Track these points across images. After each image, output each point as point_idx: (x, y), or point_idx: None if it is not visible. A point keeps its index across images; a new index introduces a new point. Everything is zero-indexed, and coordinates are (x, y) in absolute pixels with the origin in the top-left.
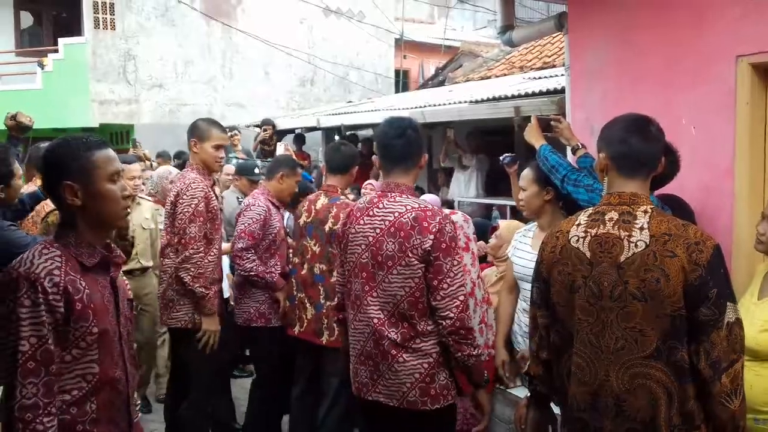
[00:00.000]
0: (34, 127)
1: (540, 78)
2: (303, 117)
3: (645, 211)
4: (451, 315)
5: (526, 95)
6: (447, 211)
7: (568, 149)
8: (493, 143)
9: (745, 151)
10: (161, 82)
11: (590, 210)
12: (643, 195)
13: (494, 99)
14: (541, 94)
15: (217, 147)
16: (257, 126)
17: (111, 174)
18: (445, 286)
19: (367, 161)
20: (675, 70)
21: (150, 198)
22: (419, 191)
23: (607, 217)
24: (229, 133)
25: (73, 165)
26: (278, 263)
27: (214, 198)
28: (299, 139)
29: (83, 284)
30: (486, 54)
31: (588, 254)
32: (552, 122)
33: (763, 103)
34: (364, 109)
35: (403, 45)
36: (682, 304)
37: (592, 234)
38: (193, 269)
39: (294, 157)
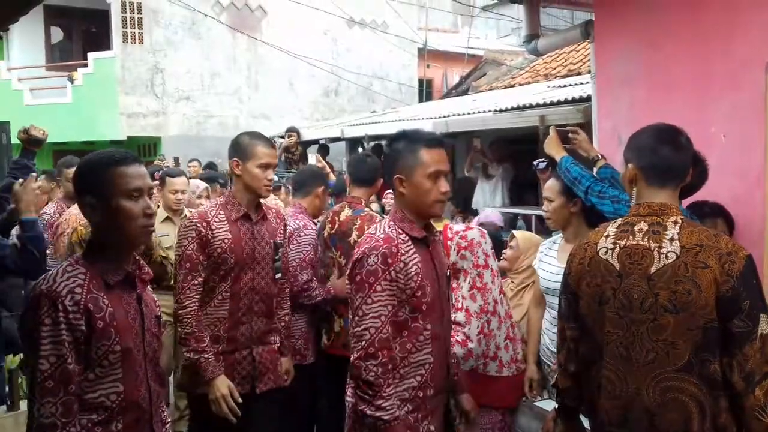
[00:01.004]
0: (64, 140)
1: (565, 86)
2: (327, 127)
3: (675, 222)
4: (353, 357)
5: (551, 104)
6: (462, 226)
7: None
8: (517, 152)
9: None
10: (188, 94)
11: (619, 221)
12: (672, 205)
13: (519, 108)
14: (566, 102)
15: (265, 166)
16: (281, 137)
17: (130, 190)
18: (353, 324)
19: None
20: (704, 78)
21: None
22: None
23: (636, 228)
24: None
25: (93, 180)
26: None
27: (224, 237)
28: (323, 150)
29: (106, 302)
30: (510, 62)
31: (617, 266)
32: (570, 134)
33: None
34: (387, 119)
35: (426, 54)
36: (714, 315)
37: (622, 245)
38: (185, 327)
39: (328, 168)
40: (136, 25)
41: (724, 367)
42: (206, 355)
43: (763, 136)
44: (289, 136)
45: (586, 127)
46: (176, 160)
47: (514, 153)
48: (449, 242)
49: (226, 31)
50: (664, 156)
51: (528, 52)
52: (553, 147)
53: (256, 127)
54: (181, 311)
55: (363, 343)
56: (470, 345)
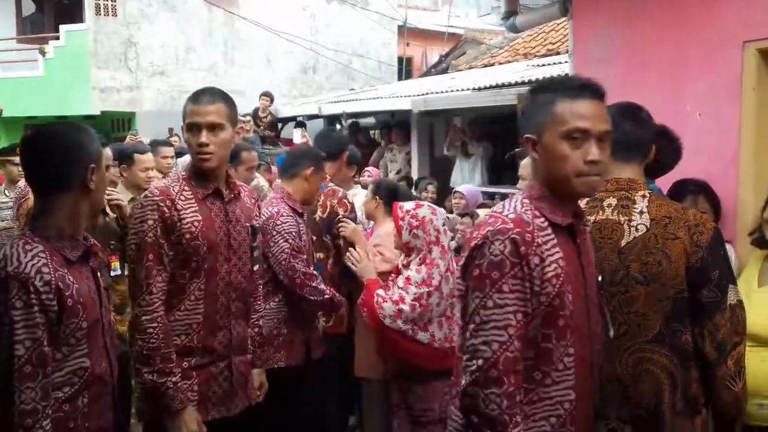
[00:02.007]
0: (35, 114)
1: (544, 65)
2: (304, 104)
3: (643, 196)
4: (465, 381)
5: (530, 82)
6: (412, 204)
7: None
8: (496, 131)
9: (751, 138)
10: (163, 69)
11: (591, 198)
12: (640, 180)
13: (497, 86)
14: None
15: (189, 127)
16: (245, 115)
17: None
18: (467, 335)
19: (365, 151)
20: (681, 57)
21: None
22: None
23: (605, 204)
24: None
25: (93, 149)
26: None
27: (193, 218)
28: (301, 127)
29: (71, 279)
30: (489, 41)
31: None
32: None
33: None
34: (365, 96)
35: (406, 32)
36: (684, 286)
37: (592, 221)
38: (148, 341)
39: (310, 144)
40: None
41: (695, 337)
42: (174, 379)
43: (738, 115)
44: (263, 101)
45: None
46: (170, 131)
47: (493, 132)
48: (401, 222)
49: (202, 4)
50: (627, 131)
51: (507, 29)
52: None
53: None
54: (143, 319)
55: (480, 362)
56: (402, 306)
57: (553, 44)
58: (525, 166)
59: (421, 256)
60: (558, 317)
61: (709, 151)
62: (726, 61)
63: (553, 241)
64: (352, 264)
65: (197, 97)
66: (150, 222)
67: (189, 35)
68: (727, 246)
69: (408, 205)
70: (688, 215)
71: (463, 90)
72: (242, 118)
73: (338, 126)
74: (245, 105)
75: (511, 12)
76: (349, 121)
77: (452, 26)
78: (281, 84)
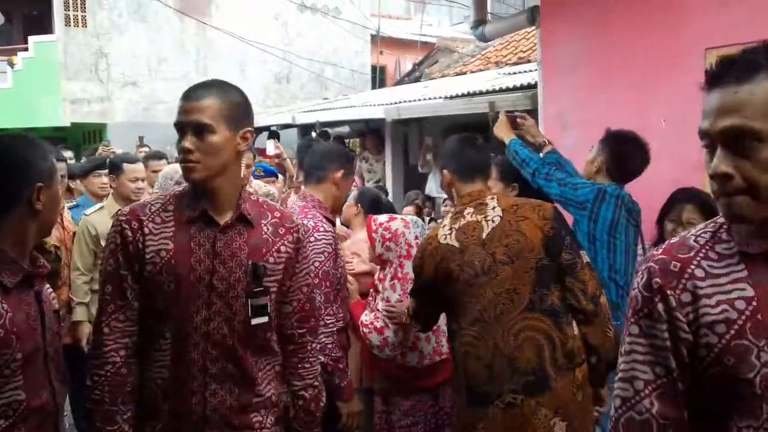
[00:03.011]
0: (4, 126)
1: (515, 73)
2: (278, 114)
3: (492, 197)
4: None
5: (501, 90)
6: (386, 217)
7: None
8: None
9: None
10: (134, 79)
11: (451, 213)
12: (486, 190)
13: (469, 94)
14: (515, 89)
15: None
16: None
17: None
18: None
19: None
20: (646, 64)
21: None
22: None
23: (465, 212)
24: None
25: (43, 167)
26: (342, 312)
27: (160, 247)
28: (274, 136)
29: (5, 308)
30: (462, 50)
31: (457, 244)
32: (518, 119)
33: None
34: (339, 105)
35: (379, 41)
36: (542, 254)
37: (456, 227)
38: (92, 392)
39: (285, 155)
40: (79, 8)
41: (567, 298)
42: None
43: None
44: None
45: (534, 113)
46: (140, 140)
47: None
48: (374, 234)
49: (174, 14)
50: (469, 157)
51: (476, 38)
52: (502, 130)
53: None
54: (91, 363)
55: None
56: (387, 333)
57: (524, 52)
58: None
59: (393, 269)
60: (736, 386)
61: (675, 157)
62: (689, 68)
63: (731, 273)
64: None
65: (187, 91)
66: (111, 246)
67: (160, 46)
68: None
69: (381, 218)
70: (530, 201)
71: (435, 98)
72: None
73: (313, 134)
74: None
75: (480, 21)
76: (319, 130)
77: (425, 35)
78: (255, 94)
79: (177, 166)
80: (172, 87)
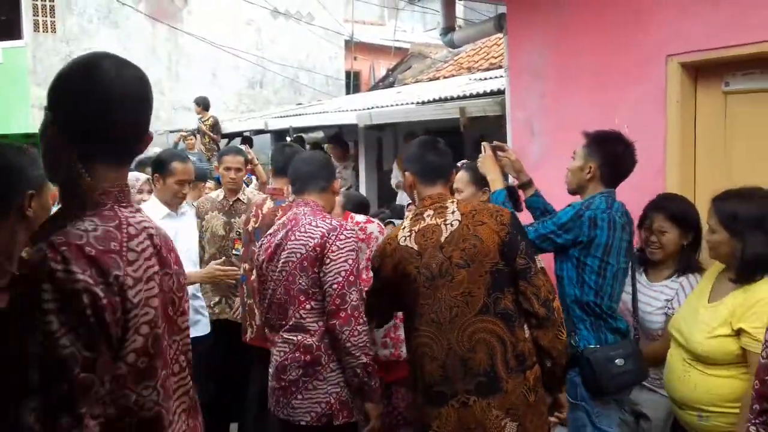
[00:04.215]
0: None
1: (486, 79)
2: (251, 119)
3: (452, 201)
4: None
5: (471, 96)
6: (363, 218)
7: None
8: None
9: (676, 150)
10: None
11: (411, 214)
12: (447, 194)
13: (440, 100)
14: (485, 94)
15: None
16: (172, 131)
17: None
18: None
19: None
20: (610, 70)
21: None
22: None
23: (425, 215)
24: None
25: (34, 174)
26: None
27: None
28: (247, 142)
29: None
30: (435, 55)
31: (416, 247)
32: (498, 151)
33: (692, 102)
34: (312, 111)
35: (353, 47)
36: (498, 259)
37: (416, 230)
38: None
39: (257, 161)
40: (48, 13)
41: (520, 302)
42: None
43: (663, 127)
44: (195, 109)
45: (503, 118)
46: None
47: None
48: None
49: (145, 20)
50: (431, 160)
51: (445, 45)
52: (488, 168)
53: (178, 120)
54: None
55: None
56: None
57: (495, 58)
58: (460, 179)
59: (361, 269)
60: None
61: (638, 162)
62: (651, 75)
63: None
64: None
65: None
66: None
67: (132, 51)
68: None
69: (359, 218)
70: (489, 206)
71: (407, 104)
72: (184, 133)
73: (287, 139)
74: (192, 121)
75: (449, 28)
76: (294, 135)
77: (398, 41)
78: (228, 100)
79: (138, 174)
80: None
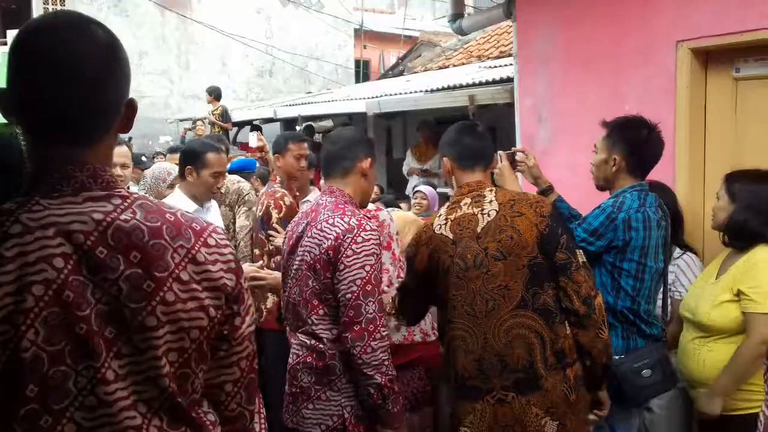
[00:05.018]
0: None
1: (495, 67)
2: (260, 108)
3: (491, 190)
4: None
5: (480, 84)
6: (373, 206)
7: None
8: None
9: (685, 135)
10: None
11: (449, 202)
12: (486, 181)
13: (449, 88)
14: (494, 82)
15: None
16: (182, 120)
17: None
18: None
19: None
20: (619, 56)
21: None
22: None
23: (462, 203)
24: (192, 124)
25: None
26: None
27: None
28: (256, 130)
29: None
30: (445, 43)
31: (451, 236)
32: (517, 158)
33: (702, 87)
34: (321, 99)
35: (363, 35)
36: (536, 253)
37: (452, 219)
38: None
39: (268, 148)
40: (58, 2)
41: (560, 298)
42: None
43: (672, 112)
44: (207, 99)
45: (512, 106)
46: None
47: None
48: None
49: (155, 8)
50: (468, 144)
51: (454, 32)
52: (506, 180)
53: (188, 108)
54: None
55: None
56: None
57: (506, 46)
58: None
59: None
60: None
61: None
62: (661, 60)
63: None
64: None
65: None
66: None
67: (141, 39)
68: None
69: (369, 206)
70: (528, 196)
71: (416, 92)
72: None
73: (296, 129)
74: (202, 109)
75: (457, 15)
76: (304, 124)
77: (408, 29)
78: (237, 88)
79: (169, 165)
80: (153, 81)
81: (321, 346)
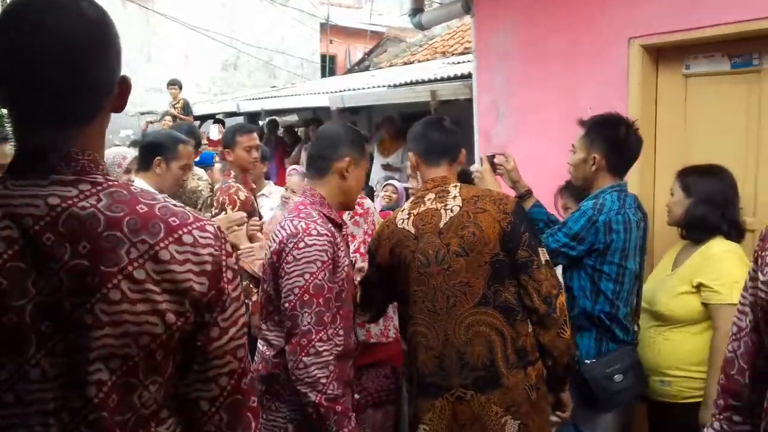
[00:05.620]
0: None
1: (458, 63)
2: (222, 102)
3: (455, 186)
4: None
5: (442, 79)
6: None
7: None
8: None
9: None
10: None
11: (413, 197)
12: (451, 177)
13: (412, 83)
14: (456, 78)
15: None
16: (143, 113)
17: None
18: None
19: (289, 149)
20: (574, 52)
21: None
22: None
23: (426, 198)
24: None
25: None
26: (342, 335)
27: None
28: (219, 124)
29: None
30: (410, 39)
31: (413, 230)
32: (496, 160)
33: (654, 84)
34: (285, 93)
35: (329, 30)
36: (498, 249)
37: (415, 213)
38: None
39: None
40: None
41: (521, 296)
42: None
43: (625, 109)
44: (171, 90)
45: (471, 102)
46: None
47: (407, 130)
48: None
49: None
50: (434, 139)
51: (414, 26)
52: (488, 183)
53: (149, 102)
54: None
55: None
56: None
57: (470, 43)
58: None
59: (356, 244)
60: None
61: None
62: (614, 57)
63: None
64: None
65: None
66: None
67: None
68: None
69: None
70: (492, 193)
71: (379, 87)
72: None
73: (260, 123)
74: (165, 102)
75: (417, 9)
76: (268, 119)
77: (374, 24)
78: (200, 82)
79: (124, 150)
80: None
81: (269, 353)
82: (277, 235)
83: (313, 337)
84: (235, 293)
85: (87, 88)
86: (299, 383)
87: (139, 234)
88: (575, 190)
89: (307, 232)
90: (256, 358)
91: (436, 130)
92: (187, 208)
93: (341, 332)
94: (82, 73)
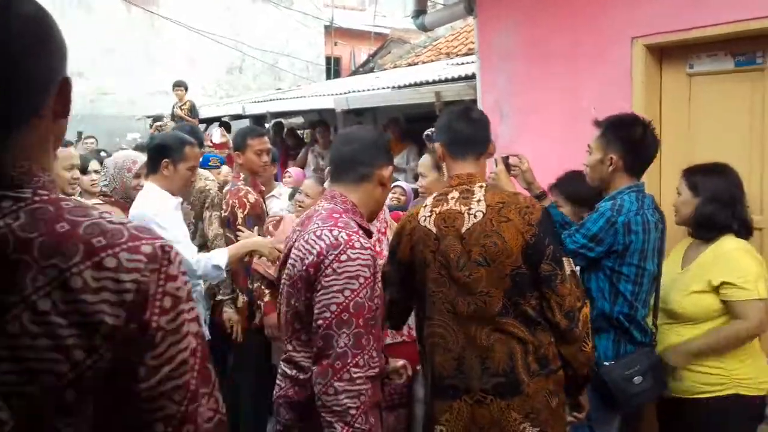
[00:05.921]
0: None
1: (462, 64)
2: (228, 104)
3: (480, 186)
4: None
5: (446, 80)
6: None
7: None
8: (419, 130)
9: None
10: (80, 70)
11: (436, 193)
12: (478, 174)
13: (416, 84)
14: (460, 78)
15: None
16: (149, 117)
17: None
18: None
19: (292, 152)
20: (578, 52)
21: (100, 201)
22: None
23: (449, 196)
24: (157, 123)
25: None
26: (376, 357)
27: None
28: (225, 127)
29: None
30: (414, 41)
31: (435, 230)
32: (510, 161)
33: (657, 83)
34: (290, 96)
35: (333, 32)
36: (520, 262)
37: (437, 212)
38: None
39: (231, 144)
40: None
41: (543, 309)
42: None
43: (629, 107)
44: (177, 92)
45: (476, 102)
46: (80, 135)
47: (414, 131)
48: None
49: (121, 3)
50: (460, 130)
51: (417, 28)
52: (504, 185)
53: (155, 106)
54: None
55: None
56: None
57: (474, 43)
58: (423, 164)
59: (372, 242)
60: None
61: None
62: (617, 57)
63: None
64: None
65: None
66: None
67: (107, 35)
68: None
69: None
70: (518, 199)
71: (384, 88)
72: (159, 124)
73: (265, 126)
74: (170, 106)
75: (420, 11)
76: (273, 121)
77: (378, 26)
78: (206, 85)
79: (133, 153)
80: (119, 78)
81: (302, 376)
82: (314, 246)
83: (349, 361)
84: (172, 325)
85: (17, 87)
86: (326, 411)
87: (50, 258)
88: (565, 189)
89: (350, 244)
90: (278, 381)
91: (464, 120)
92: (134, 223)
93: (375, 354)
94: (11, 70)
